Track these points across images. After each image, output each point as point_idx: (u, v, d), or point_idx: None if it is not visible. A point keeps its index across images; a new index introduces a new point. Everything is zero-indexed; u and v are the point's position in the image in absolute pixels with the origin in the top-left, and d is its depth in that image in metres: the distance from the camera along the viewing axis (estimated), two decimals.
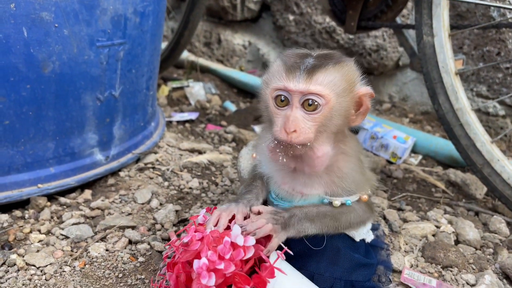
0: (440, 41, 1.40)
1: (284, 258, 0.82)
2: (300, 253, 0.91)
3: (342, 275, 0.89)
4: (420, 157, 1.81)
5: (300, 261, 0.90)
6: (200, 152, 1.67)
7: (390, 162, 1.76)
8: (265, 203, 0.98)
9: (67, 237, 1.09)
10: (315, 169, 0.88)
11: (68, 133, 1.26)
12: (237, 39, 2.90)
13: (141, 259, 1.02)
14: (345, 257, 0.91)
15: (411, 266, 1.13)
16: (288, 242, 0.92)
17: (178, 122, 2.00)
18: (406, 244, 1.21)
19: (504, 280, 1.12)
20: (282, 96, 0.81)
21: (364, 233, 0.98)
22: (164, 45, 2.42)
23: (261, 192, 0.97)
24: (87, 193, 1.31)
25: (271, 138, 0.85)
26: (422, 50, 1.44)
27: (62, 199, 1.25)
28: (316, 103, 0.80)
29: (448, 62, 1.40)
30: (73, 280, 0.93)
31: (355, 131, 1.87)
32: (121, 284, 0.93)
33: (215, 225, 0.83)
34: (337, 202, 0.90)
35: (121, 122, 1.43)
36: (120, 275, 0.96)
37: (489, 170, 1.35)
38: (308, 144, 0.82)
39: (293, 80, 0.79)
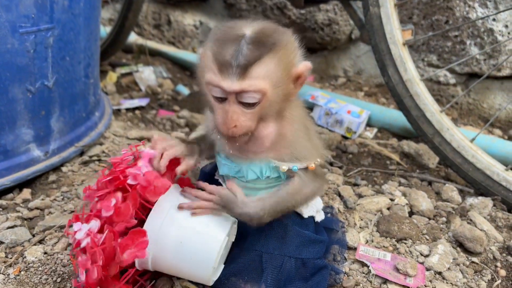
0: (387, 12, 1.37)
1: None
2: (247, 233, 0.89)
3: (292, 252, 0.87)
4: (375, 130, 1.81)
5: (248, 241, 0.88)
6: (149, 140, 1.60)
7: (345, 138, 1.74)
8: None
9: (1, 243, 1.01)
10: (261, 147, 0.86)
11: None
12: (188, 19, 2.79)
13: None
14: (294, 233, 0.89)
15: (366, 242, 1.12)
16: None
17: (127, 109, 1.91)
18: (361, 220, 1.20)
19: (458, 248, 1.13)
20: (219, 93, 0.78)
21: (313, 211, 0.96)
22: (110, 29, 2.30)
23: (205, 143, 0.97)
24: (26, 193, 1.22)
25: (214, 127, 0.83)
26: (369, 21, 1.41)
27: None
28: (252, 99, 0.77)
29: (395, 33, 1.38)
30: None
31: (310, 108, 1.85)
32: None
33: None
34: (284, 167, 0.86)
35: (59, 114, 1.33)
36: (59, 279, 0.89)
37: (439, 139, 1.35)
38: (250, 132, 0.81)
39: (227, 79, 0.75)
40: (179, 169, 0.91)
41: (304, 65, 0.81)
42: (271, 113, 0.83)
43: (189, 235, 0.81)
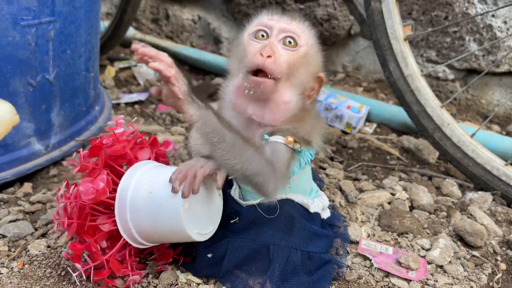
0: (388, 7, 1.38)
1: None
2: (253, 223, 0.89)
3: (299, 245, 0.88)
4: (374, 125, 1.82)
5: (254, 232, 0.88)
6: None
7: (345, 133, 1.75)
8: None
9: (4, 236, 1.00)
10: (276, 116, 0.84)
11: None
12: (186, 14, 2.78)
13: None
14: (300, 226, 0.90)
15: (368, 235, 1.13)
16: (240, 212, 0.89)
17: (126, 104, 1.90)
18: (363, 214, 1.21)
19: (458, 242, 1.14)
20: (262, 32, 0.82)
21: (319, 207, 0.96)
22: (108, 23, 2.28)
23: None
24: (27, 186, 1.22)
25: (240, 78, 0.83)
26: (370, 16, 1.41)
27: None
28: (294, 41, 0.82)
29: (397, 28, 1.38)
30: (10, 282, 0.86)
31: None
32: (64, 283, 0.87)
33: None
34: (267, 137, 0.84)
35: (60, 108, 1.33)
36: (63, 272, 0.89)
37: (440, 134, 1.36)
38: (279, 77, 0.80)
39: (275, 19, 0.83)
40: (219, 184, 0.84)
41: (323, 74, 0.89)
42: (294, 82, 0.83)
43: (158, 185, 0.82)
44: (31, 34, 1.13)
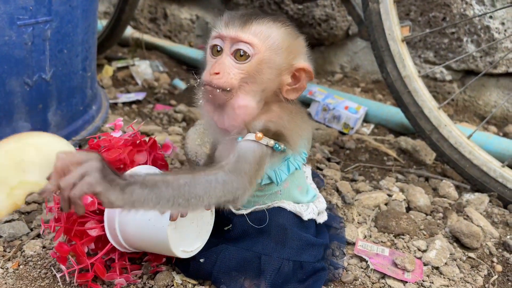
0: (386, 8, 1.38)
1: None
2: (246, 233, 0.89)
3: (290, 255, 0.87)
4: (372, 126, 1.82)
5: (247, 241, 0.88)
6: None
7: (342, 133, 1.75)
8: None
9: None
10: (234, 121, 0.82)
11: None
12: (184, 13, 2.78)
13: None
14: (293, 236, 0.89)
15: (365, 237, 1.13)
16: (232, 221, 0.89)
17: (124, 103, 1.90)
18: (359, 215, 1.21)
19: (455, 243, 1.14)
20: (218, 46, 0.81)
21: (313, 213, 0.96)
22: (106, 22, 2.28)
23: None
24: None
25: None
26: (368, 17, 1.41)
27: None
28: (245, 53, 0.79)
29: (394, 29, 1.38)
30: (5, 283, 0.86)
31: (307, 104, 1.85)
32: (59, 284, 0.86)
33: None
34: (236, 136, 0.82)
35: (57, 107, 1.32)
36: (58, 273, 0.89)
37: (437, 135, 1.36)
38: (228, 89, 0.79)
39: (229, 26, 0.79)
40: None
41: (305, 64, 0.83)
42: (258, 85, 0.81)
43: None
44: (27, 33, 1.13)
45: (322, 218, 0.99)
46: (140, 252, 0.93)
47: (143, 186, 0.66)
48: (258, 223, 0.88)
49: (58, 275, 0.85)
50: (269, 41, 0.80)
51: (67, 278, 0.85)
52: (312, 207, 0.96)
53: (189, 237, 0.85)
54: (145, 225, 0.81)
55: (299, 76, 0.84)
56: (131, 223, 0.83)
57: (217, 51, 0.81)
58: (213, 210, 0.90)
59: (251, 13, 0.81)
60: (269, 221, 0.88)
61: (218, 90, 0.78)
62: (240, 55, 0.79)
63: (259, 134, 0.80)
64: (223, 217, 0.92)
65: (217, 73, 0.78)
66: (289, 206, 0.91)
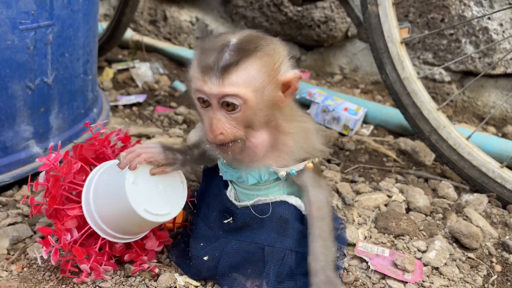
0: (385, 10, 1.39)
1: None
2: (247, 224, 0.91)
3: (293, 246, 0.89)
4: (371, 127, 1.83)
5: (249, 233, 0.89)
6: (148, 137, 1.60)
7: (342, 135, 1.76)
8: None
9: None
10: (255, 157, 0.87)
11: None
12: (184, 15, 2.79)
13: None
14: (294, 228, 0.91)
15: (365, 238, 1.14)
16: (234, 213, 0.91)
17: (124, 106, 1.91)
18: (360, 216, 1.22)
19: (454, 244, 1.15)
20: (203, 99, 0.80)
21: None
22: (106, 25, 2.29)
23: (193, 160, 0.96)
24: (26, 189, 1.22)
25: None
26: (367, 20, 1.42)
27: None
28: (234, 104, 0.79)
29: (393, 31, 1.39)
30: (10, 286, 0.87)
31: (307, 105, 1.86)
32: (63, 286, 0.87)
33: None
34: (282, 172, 0.89)
35: (58, 110, 1.33)
36: (62, 276, 0.90)
37: (436, 137, 1.37)
38: (239, 140, 0.82)
39: (208, 82, 0.78)
40: (152, 171, 0.89)
41: (292, 73, 0.83)
42: (259, 121, 0.83)
43: (113, 167, 0.90)
44: (29, 37, 1.14)
45: None
46: (122, 247, 0.95)
47: None
48: (260, 214, 0.91)
49: (38, 256, 0.89)
50: (253, 83, 0.78)
51: (44, 257, 0.88)
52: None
53: (154, 199, 0.87)
54: (110, 187, 0.88)
55: (289, 83, 0.84)
56: (102, 193, 0.88)
57: (203, 102, 0.81)
58: (185, 184, 0.94)
59: (223, 57, 0.77)
60: (270, 212, 0.90)
61: (230, 144, 0.82)
62: (227, 105, 0.79)
63: (310, 164, 0.90)
64: (223, 209, 0.93)
65: (221, 134, 0.80)
66: (291, 199, 0.94)
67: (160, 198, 0.88)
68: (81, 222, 0.91)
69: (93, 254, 0.87)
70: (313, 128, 0.96)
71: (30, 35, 1.14)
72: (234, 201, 0.93)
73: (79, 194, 0.91)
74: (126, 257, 0.93)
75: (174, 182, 0.92)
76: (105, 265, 0.89)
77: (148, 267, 0.93)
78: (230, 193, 0.95)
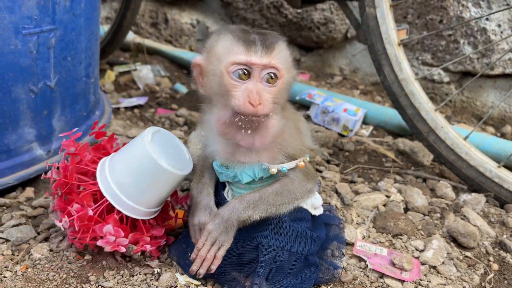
0: (382, 12, 1.40)
1: None
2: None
3: (285, 245, 0.91)
4: (371, 128, 1.84)
5: (245, 231, 0.91)
6: None
7: (342, 135, 1.77)
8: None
9: (7, 240, 1.03)
10: (266, 141, 0.88)
11: (0, 129, 1.17)
12: (185, 18, 2.81)
13: (88, 256, 0.98)
14: (288, 227, 0.92)
15: (363, 237, 1.15)
16: None
17: (126, 108, 1.93)
18: (358, 216, 1.23)
19: (452, 243, 1.16)
20: (244, 70, 0.82)
21: (308, 206, 0.99)
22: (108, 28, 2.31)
23: (211, 188, 1.01)
24: (29, 191, 1.24)
25: (227, 112, 0.85)
26: (365, 22, 1.44)
27: (1, 200, 1.18)
28: (275, 76, 0.83)
29: (391, 33, 1.40)
30: (14, 285, 0.88)
31: (307, 107, 1.88)
32: (66, 286, 0.89)
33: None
34: (273, 169, 0.90)
35: (61, 113, 1.35)
36: (65, 275, 0.92)
37: (434, 137, 1.38)
38: (266, 116, 0.84)
39: (255, 54, 0.81)
40: None
41: (295, 70, 0.92)
42: (282, 101, 0.89)
43: (129, 146, 0.98)
44: (32, 42, 1.16)
45: (318, 212, 1.01)
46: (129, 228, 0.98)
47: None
48: None
49: (60, 224, 0.93)
50: (287, 63, 0.87)
51: (64, 229, 0.94)
52: (307, 200, 0.99)
53: (169, 156, 0.95)
54: (129, 150, 0.96)
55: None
56: (117, 161, 0.96)
57: (243, 74, 0.82)
58: (190, 154, 1.02)
59: (265, 35, 0.84)
60: None
61: (261, 118, 0.83)
62: (271, 78, 0.83)
63: (301, 163, 0.91)
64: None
65: (259, 104, 0.81)
66: None
67: (173, 157, 0.97)
68: (99, 198, 0.96)
69: (112, 222, 0.93)
70: (305, 127, 0.98)
71: (33, 39, 1.16)
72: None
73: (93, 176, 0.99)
74: (130, 237, 0.95)
75: (180, 151, 1.02)
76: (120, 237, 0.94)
77: (149, 250, 0.97)
78: (227, 194, 0.97)
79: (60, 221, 0.93)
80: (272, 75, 0.83)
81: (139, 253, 1.01)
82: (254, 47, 0.81)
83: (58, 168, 1.00)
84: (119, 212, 0.95)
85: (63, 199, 0.98)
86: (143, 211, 0.96)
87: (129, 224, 0.97)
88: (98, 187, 0.94)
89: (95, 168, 0.98)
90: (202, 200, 0.97)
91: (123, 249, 0.93)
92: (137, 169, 0.93)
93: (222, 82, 0.83)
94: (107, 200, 0.94)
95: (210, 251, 0.87)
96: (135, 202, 0.94)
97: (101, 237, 0.92)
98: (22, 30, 1.12)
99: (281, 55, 0.85)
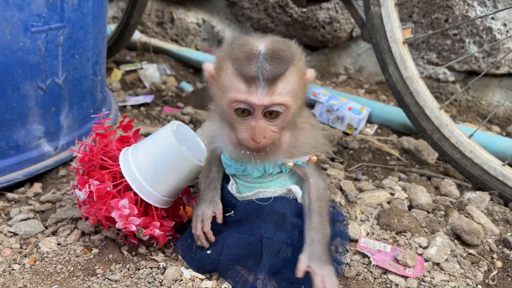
0: (387, 11, 1.41)
1: None
2: (247, 216, 0.94)
3: (290, 240, 0.91)
4: (375, 126, 1.85)
5: (248, 225, 0.93)
6: None
7: (346, 134, 1.78)
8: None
9: (15, 234, 1.05)
10: (278, 154, 0.90)
11: (9, 126, 1.19)
12: (191, 18, 2.83)
13: (95, 250, 1.00)
14: (292, 223, 0.93)
15: (367, 234, 1.16)
16: (236, 206, 0.95)
17: (132, 106, 1.94)
18: (362, 213, 1.24)
19: (456, 241, 1.17)
20: (243, 109, 0.80)
21: None
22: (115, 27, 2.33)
23: (218, 183, 1.02)
24: (37, 187, 1.26)
25: (236, 137, 0.85)
26: (370, 20, 1.45)
27: (10, 195, 1.20)
28: (278, 112, 0.81)
29: (396, 32, 1.41)
30: (23, 278, 0.90)
31: (311, 105, 1.89)
32: (74, 278, 0.91)
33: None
34: (290, 163, 0.91)
35: (69, 110, 1.37)
36: (72, 268, 0.93)
37: (438, 135, 1.39)
38: (275, 142, 0.86)
39: (255, 93, 0.78)
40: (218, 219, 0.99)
41: (310, 73, 0.87)
42: (293, 122, 0.88)
43: (153, 135, 1.05)
44: (41, 39, 1.18)
45: None
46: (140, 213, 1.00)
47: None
48: (262, 201, 0.94)
49: (79, 194, 0.97)
50: (294, 92, 0.81)
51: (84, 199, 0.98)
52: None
53: (188, 148, 1.04)
54: (153, 139, 1.02)
55: (309, 81, 0.88)
56: (142, 148, 1.02)
57: (242, 112, 0.81)
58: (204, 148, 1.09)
59: (273, 62, 0.77)
60: (269, 206, 0.93)
61: (268, 148, 0.85)
62: (270, 114, 0.81)
63: (314, 157, 0.92)
64: (225, 203, 0.97)
65: (263, 139, 0.82)
66: (294, 188, 0.96)
67: (192, 150, 1.05)
68: (119, 179, 1.01)
69: (128, 199, 0.96)
70: (317, 124, 0.99)
71: (42, 37, 1.18)
72: (235, 194, 0.97)
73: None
74: (141, 221, 0.97)
75: (199, 147, 1.10)
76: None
77: (157, 236, 0.99)
78: (231, 187, 0.98)
79: (80, 190, 0.97)
80: (272, 112, 0.80)
81: (145, 248, 1.02)
82: (254, 84, 0.77)
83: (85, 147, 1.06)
84: (135, 194, 0.98)
85: (84, 176, 1.02)
86: (158, 197, 1.00)
87: (142, 210, 1.00)
88: (119, 169, 1.00)
89: (119, 154, 1.04)
90: (208, 194, 0.99)
91: (133, 228, 0.95)
92: (159, 154, 0.99)
93: (228, 114, 0.83)
94: (125, 181, 0.98)
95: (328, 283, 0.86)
96: (152, 187, 0.98)
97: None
98: (31, 27, 1.14)
99: (286, 87, 0.79)
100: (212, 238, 0.96)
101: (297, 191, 0.95)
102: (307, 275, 0.92)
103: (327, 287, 0.84)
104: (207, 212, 0.97)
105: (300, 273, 0.85)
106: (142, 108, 1.94)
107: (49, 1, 1.17)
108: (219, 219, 0.97)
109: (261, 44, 0.79)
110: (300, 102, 0.85)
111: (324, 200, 0.93)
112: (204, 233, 0.96)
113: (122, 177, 0.99)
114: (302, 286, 0.90)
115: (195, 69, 2.47)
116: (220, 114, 0.89)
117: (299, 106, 0.85)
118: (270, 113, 0.80)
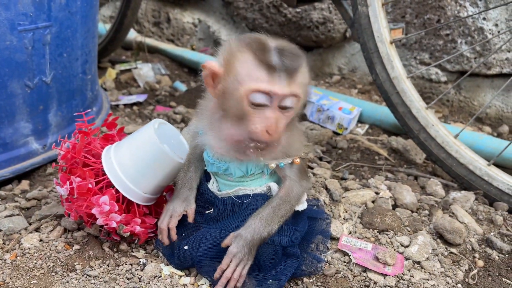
0: (374, 11, 1.41)
1: None
2: (226, 213, 0.95)
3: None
4: (366, 126, 1.85)
5: (226, 222, 0.94)
6: None
7: (337, 134, 1.79)
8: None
9: None
10: (274, 153, 0.90)
11: None
12: (187, 17, 2.84)
13: (76, 246, 1.01)
14: None
15: (349, 232, 1.16)
16: (214, 203, 0.96)
17: (125, 105, 1.96)
18: (346, 212, 1.24)
19: (438, 240, 1.17)
20: (262, 98, 0.80)
21: None
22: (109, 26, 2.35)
23: (195, 183, 1.03)
24: (25, 184, 1.27)
25: (241, 133, 0.85)
26: (358, 20, 1.45)
27: None
28: (292, 104, 0.82)
29: (383, 32, 1.41)
30: (2, 273, 0.91)
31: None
32: (53, 274, 0.92)
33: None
34: (272, 164, 0.92)
35: (57, 109, 1.38)
36: (52, 264, 0.94)
37: (424, 135, 1.39)
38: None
39: (278, 83, 0.79)
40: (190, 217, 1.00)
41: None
42: (292, 121, 0.89)
43: (136, 133, 1.06)
44: (28, 38, 1.19)
45: (301, 207, 1.02)
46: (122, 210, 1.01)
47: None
48: (241, 199, 0.95)
49: (60, 190, 0.98)
50: (305, 85, 0.85)
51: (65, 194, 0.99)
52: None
53: (170, 146, 1.04)
54: (137, 136, 1.03)
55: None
56: (124, 144, 1.02)
57: (262, 103, 0.81)
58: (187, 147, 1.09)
59: (286, 54, 0.79)
60: (249, 203, 0.93)
61: (275, 142, 0.86)
62: (290, 105, 0.82)
63: (298, 160, 0.92)
64: (205, 201, 0.97)
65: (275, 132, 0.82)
66: (274, 186, 0.96)
67: (174, 148, 1.06)
68: (101, 177, 1.02)
69: (109, 195, 0.97)
70: (301, 126, 1.00)
71: (28, 36, 1.19)
72: (216, 192, 0.97)
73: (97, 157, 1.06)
74: (123, 217, 0.98)
75: (182, 145, 1.11)
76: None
77: (138, 232, 1.00)
78: (212, 185, 0.99)
79: (62, 186, 0.98)
80: (289, 103, 0.82)
81: (126, 244, 1.03)
82: (277, 74, 0.79)
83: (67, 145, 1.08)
84: (117, 192, 0.99)
85: (67, 174, 1.03)
86: (140, 194, 1.01)
87: (124, 207, 1.01)
88: (102, 167, 1.00)
89: (102, 152, 1.05)
90: (184, 192, 1.00)
91: (114, 224, 0.96)
92: (141, 152, 1.00)
93: (240, 106, 0.82)
94: (107, 178, 0.99)
95: (235, 271, 0.88)
96: (133, 184, 1.00)
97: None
98: (18, 26, 1.16)
99: (302, 80, 0.82)
100: (174, 236, 0.97)
101: (275, 188, 0.96)
102: (283, 269, 0.93)
103: (227, 273, 0.87)
104: (178, 209, 0.99)
105: (223, 245, 0.89)
106: (135, 107, 1.95)
107: (36, 0, 1.18)
108: (191, 219, 0.98)
109: (271, 42, 0.83)
110: (304, 100, 0.87)
111: (288, 203, 0.93)
112: (168, 229, 0.98)
113: (105, 174, 1.00)
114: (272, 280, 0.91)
115: (190, 68, 2.49)
116: (221, 109, 0.88)
117: (302, 104, 0.87)
118: (287, 104, 0.82)
